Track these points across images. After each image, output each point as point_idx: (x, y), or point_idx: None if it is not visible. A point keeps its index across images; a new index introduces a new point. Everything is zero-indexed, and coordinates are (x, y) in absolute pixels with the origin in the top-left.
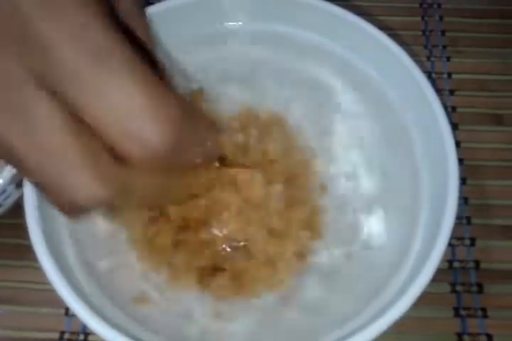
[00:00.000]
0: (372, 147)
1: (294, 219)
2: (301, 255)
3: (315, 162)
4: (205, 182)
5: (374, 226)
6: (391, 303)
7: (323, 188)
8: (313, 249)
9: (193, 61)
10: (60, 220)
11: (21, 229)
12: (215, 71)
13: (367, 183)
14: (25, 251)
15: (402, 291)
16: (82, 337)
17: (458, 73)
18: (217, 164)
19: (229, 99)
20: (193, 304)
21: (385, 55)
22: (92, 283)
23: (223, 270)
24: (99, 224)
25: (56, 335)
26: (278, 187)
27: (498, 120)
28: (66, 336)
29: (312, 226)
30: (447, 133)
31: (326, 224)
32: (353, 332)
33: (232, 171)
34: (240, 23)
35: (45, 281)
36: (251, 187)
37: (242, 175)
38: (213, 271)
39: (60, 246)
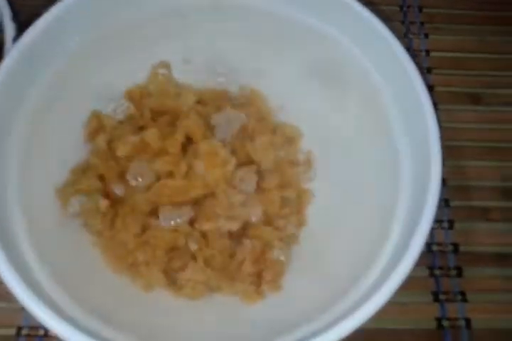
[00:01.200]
0: (351, 128)
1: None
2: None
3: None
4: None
5: (354, 210)
6: (373, 291)
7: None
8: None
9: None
10: (13, 207)
11: None
12: None
13: (345, 165)
14: None
15: (382, 278)
16: (42, 331)
17: (436, 51)
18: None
19: None
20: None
21: (367, 31)
22: (46, 275)
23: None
24: (55, 214)
25: (13, 331)
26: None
27: (475, 99)
28: (24, 332)
29: (297, 211)
30: (430, 115)
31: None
32: (333, 322)
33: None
34: None
35: None
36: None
37: (205, 147)
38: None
39: (13, 235)
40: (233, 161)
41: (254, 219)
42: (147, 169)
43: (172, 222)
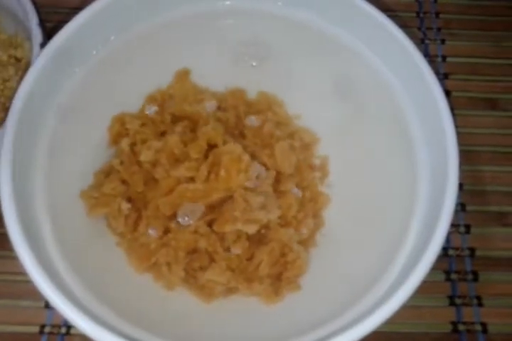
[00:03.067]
0: (369, 132)
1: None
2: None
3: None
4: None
5: (371, 214)
6: (389, 294)
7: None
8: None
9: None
10: (39, 207)
11: None
12: None
13: (363, 169)
14: (2, 240)
15: (399, 282)
16: (64, 330)
17: (452, 56)
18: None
19: None
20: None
21: (384, 38)
22: (71, 274)
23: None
24: (81, 215)
25: (36, 329)
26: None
27: (492, 105)
28: (47, 329)
29: (314, 214)
30: (448, 124)
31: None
32: (349, 325)
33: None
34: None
35: (23, 272)
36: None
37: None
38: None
39: (39, 235)
40: (255, 166)
41: (272, 221)
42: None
43: (186, 218)
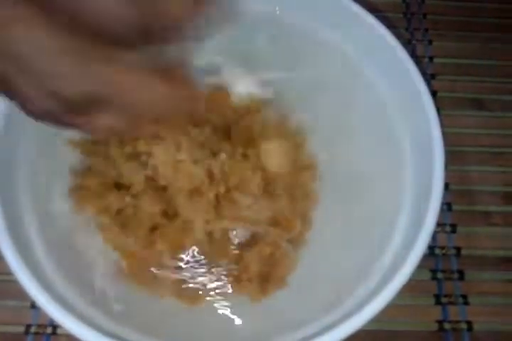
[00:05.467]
0: (357, 131)
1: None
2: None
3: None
4: None
5: (358, 213)
6: (375, 292)
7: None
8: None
9: None
10: (25, 206)
11: None
12: None
13: (349, 168)
14: None
15: (385, 280)
16: (50, 330)
17: (439, 57)
18: None
19: None
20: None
21: (372, 39)
22: (57, 273)
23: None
24: (68, 213)
25: (22, 329)
26: None
27: (478, 105)
28: (32, 329)
29: (304, 214)
30: (435, 124)
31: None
32: (335, 323)
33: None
34: None
35: (8, 272)
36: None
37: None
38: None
39: (24, 234)
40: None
41: (261, 226)
42: None
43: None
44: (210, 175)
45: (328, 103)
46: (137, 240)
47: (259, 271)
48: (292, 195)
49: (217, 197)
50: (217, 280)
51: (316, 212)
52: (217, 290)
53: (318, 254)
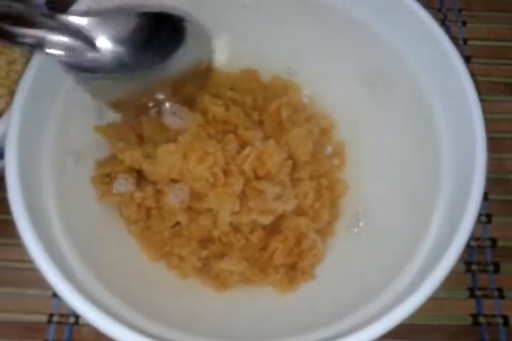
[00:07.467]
0: (391, 119)
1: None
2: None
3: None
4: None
5: (392, 203)
6: (412, 288)
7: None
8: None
9: None
10: (47, 194)
11: (4, 203)
12: None
13: (383, 156)
14: (8, 227)
15: (422, 275)
16: (72, 319)
17: (473, 39)
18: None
19: None
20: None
21: (407, 18)
22: (80, 262)
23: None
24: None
25: (44, 318)
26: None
27: None
28: (55, 319)
29: (332, 203)
30: (476, 111)
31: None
32: (370, 319)
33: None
34: None
35: (30, 260)
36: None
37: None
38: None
39: (46, 222)
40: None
41: (288, 211)
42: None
43: (171, 196)
44: (238, 165)
45: (361, 89)
46: (161, 233)
47: (285, 261)
48: (319, 184)
49: (244, 186)
50: (241, 269)
51: (345, 202)
52: (242, 278)
53: (351, 246)
